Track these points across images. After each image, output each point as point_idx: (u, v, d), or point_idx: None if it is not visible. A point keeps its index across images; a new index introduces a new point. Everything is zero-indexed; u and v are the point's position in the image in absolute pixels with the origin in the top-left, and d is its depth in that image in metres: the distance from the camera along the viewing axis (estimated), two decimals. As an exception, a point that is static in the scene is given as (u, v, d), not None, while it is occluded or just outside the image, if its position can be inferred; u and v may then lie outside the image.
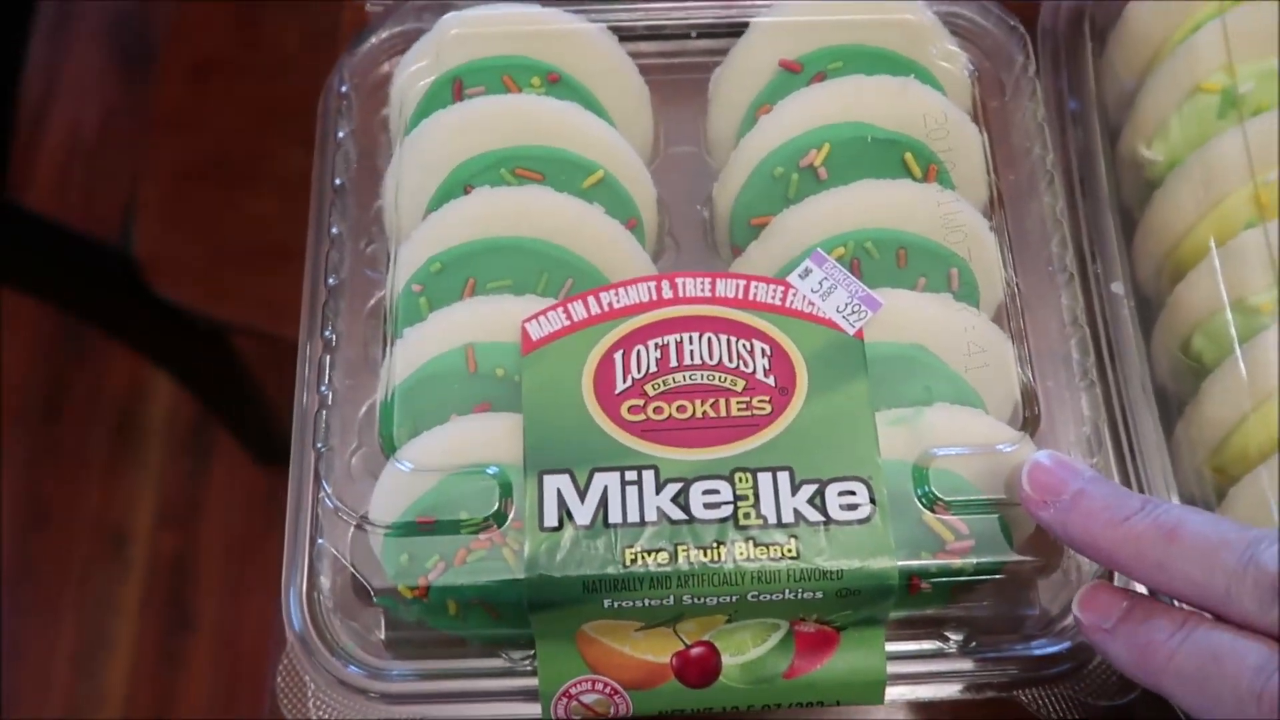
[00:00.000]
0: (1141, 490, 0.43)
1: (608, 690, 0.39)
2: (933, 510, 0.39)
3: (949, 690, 0.41)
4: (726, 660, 0.39)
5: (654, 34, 0.51)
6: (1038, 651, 0.40)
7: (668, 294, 0.41)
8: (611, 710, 0.39)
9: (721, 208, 0.48)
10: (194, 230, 1.03)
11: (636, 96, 0.49)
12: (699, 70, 0.50)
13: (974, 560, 0.39)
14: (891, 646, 0.40)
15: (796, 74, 0.47)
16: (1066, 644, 0.40)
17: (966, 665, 0.41)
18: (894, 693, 0.40)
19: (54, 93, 0.78)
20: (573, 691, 0.39)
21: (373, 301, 0.47)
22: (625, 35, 0.50)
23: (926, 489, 0.39)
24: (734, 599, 0.37)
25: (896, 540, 0.38)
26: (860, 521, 0.37)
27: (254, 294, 0.97)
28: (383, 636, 0.42)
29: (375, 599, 0.41)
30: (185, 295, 0.99)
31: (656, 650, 0.38)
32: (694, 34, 0.50)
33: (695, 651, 0.39)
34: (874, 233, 0.42)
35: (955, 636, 0.41)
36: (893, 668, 0.40)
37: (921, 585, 0.41)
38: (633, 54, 0.50)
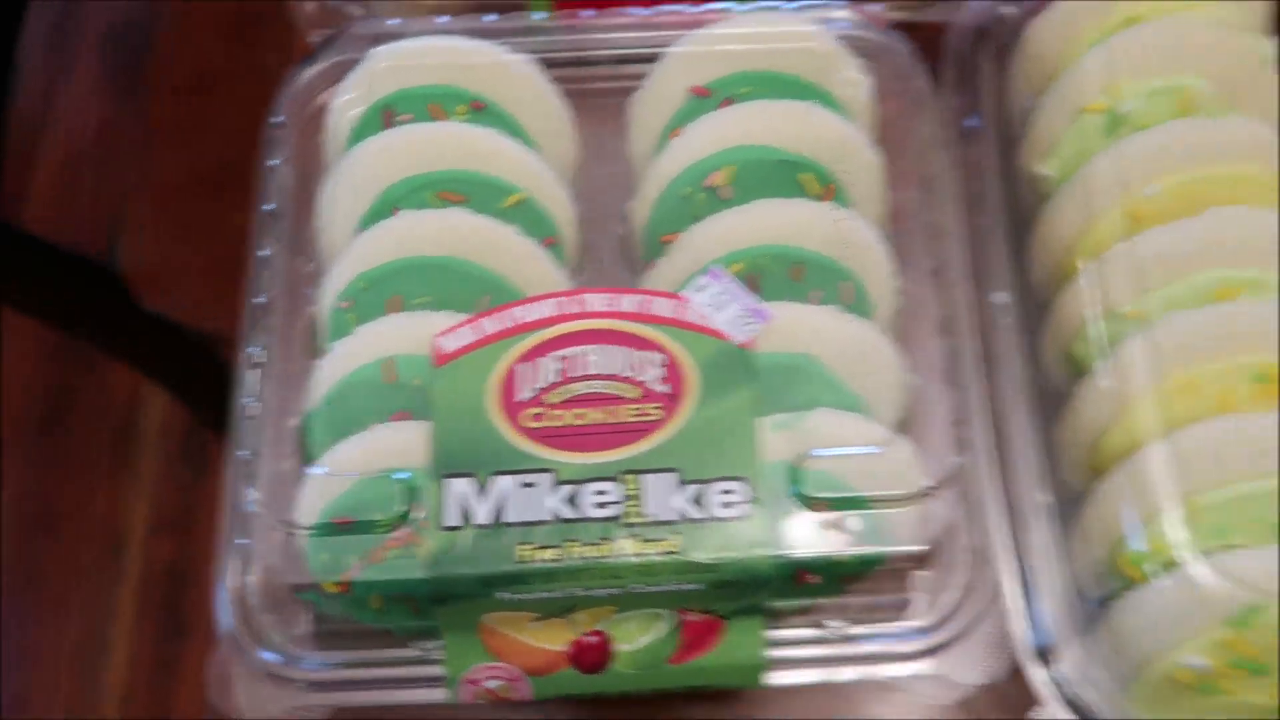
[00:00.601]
0: (1009, 490, 0.45)
1: (509, 676, 0.42)
2: (812, 508, 0.42)
3: (828, 674, 0.43)
4: (618, 648, 0.42)
5: (579, 62, 0.55)
6: (913, 634, 0.43)
7: (572, 309, 0.44)
8: (513, 694, 0.43)
9: (636, 226, 0.51)
10: (186, 242, 1.07)
11: (558, 121, 0.52)
12: (624, 95, 0.53)
13: (855, 552, 0.42)
14: (777, 633, 0.43)
15: (706, 99, 0.50)
16: (940, 626, 0.43)
17: (846, 650, 0.43)
18: (776, 677, 0.43)
19: (50, 106, 0.81)
20: (476, 678, 0.42)
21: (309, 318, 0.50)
22: (552, 63, 0.54)
23: (804, 488, 0.41)
24: (620, 591, 0.40)
25: (777, 535, 0.42)
26: (738, 519, 0.40)
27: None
28: (308, 630, 0.45)
29: (300, 595, 0.44)
30: (177, 307, 1.03)
31: (553, 639, 0.42)
32: (616, 62, 0.54)
33: (589, 640, 0.42)
34: (770, 249, 0.45)
35: (834, 623, 0.43)
36: (777, 653, 0.43)
37: (809, 577, 0.45)
38: (561, 79, 0.53)
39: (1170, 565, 0.42)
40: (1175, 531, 0.42)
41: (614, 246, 0.53)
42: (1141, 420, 0.45)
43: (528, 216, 0.48)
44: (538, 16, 0.55)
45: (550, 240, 0.50)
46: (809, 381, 0.44)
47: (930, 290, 0.49)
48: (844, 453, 0.42)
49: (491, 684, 0.42)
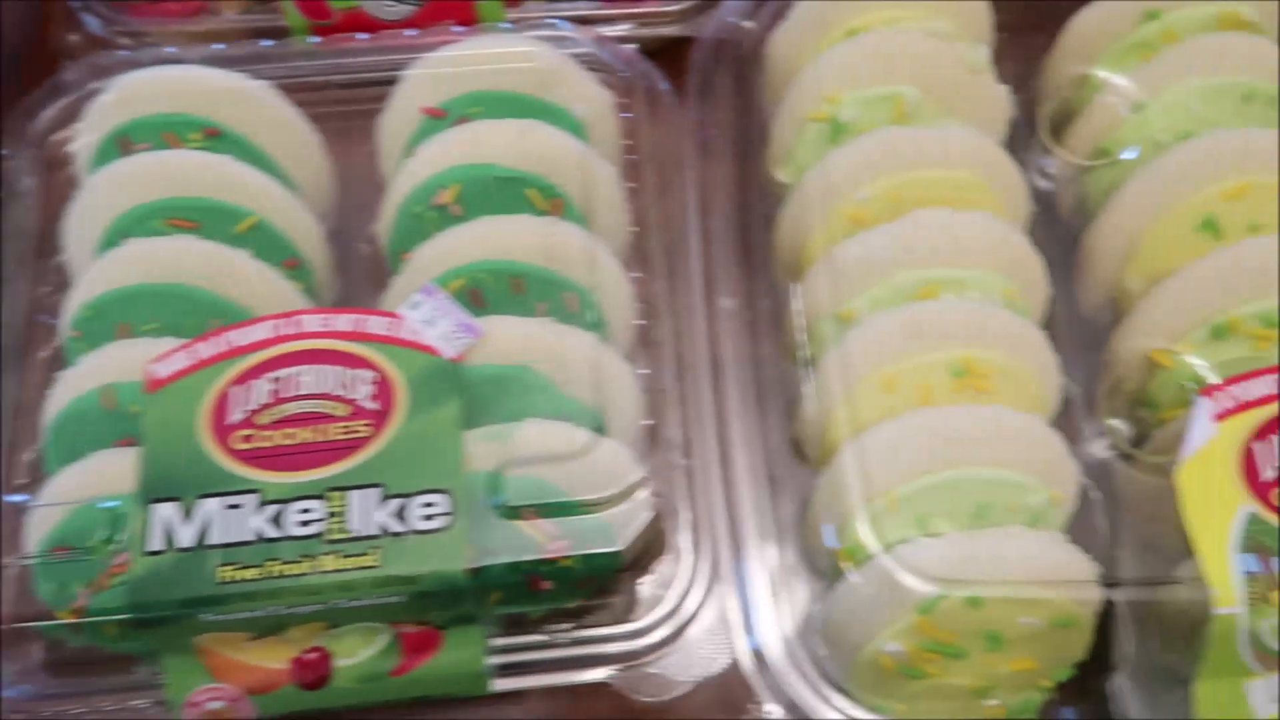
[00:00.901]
0: (727, 482, 0.46)
1: (230, 697, 0.43)
2: (517, 516, 0.43)
3: (552, 678, 0.44)
4: (339, 663, 0.43)
5: (333, 85, 0.56)
6: (632, 634, 0.44)
7: (289, 330, 0.45)
8: (236, 715, 0.43)
9: (380, 244, 0.52)
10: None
11: (304, 144, 0.52)
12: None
13: (555, 555, 0.43)
14: (504, 640, 0.44)
15: (441, 119, 0.51)
16: (658, 625, 0.44)
17: (569, 653, 0.44)
18: (504, 684, 0.44)
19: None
20: (198, 700, 0.43)
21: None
22: (308, 87, 0.54)
23: (506, 497, 0.42)
24: (324, 607, 0.41)
25: (489, 545, 0.42)
26: (439, 530, 0.41)
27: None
28: (43, 659, 0.46)
29: (38, 625, 0.44)
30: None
31: (272, 657, 0.42)
32: (369, 85, 0.55)
33: (309, 656, 0.43)
34: (487, 265, 0.46)
35: (558, 627, 0.45)
36: (505, 659, 0.44)
37: (543, 584, 0.46)
38: (317, 103, 0.53)
39: (866, 558, 0.45)
40: (867, 525, 0.44)
41: (366, 266, 0.54)
42: (844, 418, 0.47)
43: (264, 240, 0.49)
44: (301, 42, 0.56)
45: (292, 262, 0.50)
46: (527, 392, 0.45)
47: (666, 297, 0.50)
48: (543, 459, 0.42)
49: (214, 705, 0.43)
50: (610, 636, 0.45)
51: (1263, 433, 0.44)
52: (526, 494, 0.43)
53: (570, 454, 0.43)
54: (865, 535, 0.43)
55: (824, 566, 0.48)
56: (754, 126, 0.55)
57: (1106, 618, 0.47)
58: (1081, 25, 0.54)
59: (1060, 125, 0.56)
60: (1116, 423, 0.49)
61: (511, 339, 0.45)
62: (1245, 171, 0.49)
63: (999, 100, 0.53)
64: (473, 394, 0.44)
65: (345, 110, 0.55)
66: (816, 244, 0.50)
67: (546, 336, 0.45)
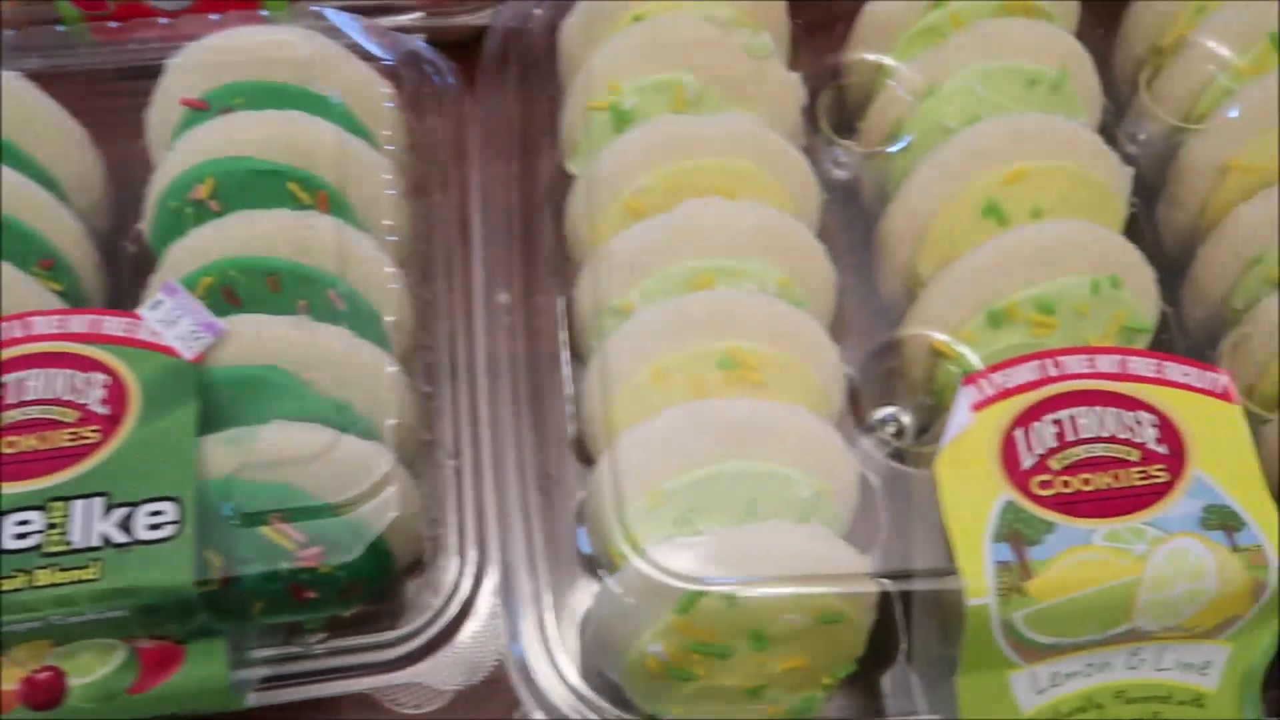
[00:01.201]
0: (499, 484, 0.44)
1: (-47, 720, 0.41)
2: (256, 522, 0.41)
3: (309, 690, 0.42)
4: (73, 681, 0.40)
5: (99, 76, 0.54)
6: (391, 643, 0.43)
7: (16, 333, 0.42)
8: (-38, 739, 0.41)
9: (146, 241, 0.50)
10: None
11: (66, 139, 0.50)
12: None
13: (331, 563, 0.42)
14: (262, 652, 0.42)
15: (204, 111, 0.50)
16: (419, 633, 0.43)
17: (327, 664, 0.43)
18: (261, 697, 0.43)
19: None
20: (-81, 725, 0.41)
21: None
22: (73, 79, 0.52)
23: (242, 503, 0.40)
24: (42, 624, 0.39)
25: (236, 554, 0.41)
26: (166, 540, 0.39)
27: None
28: None
29: None
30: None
31: (4, 678, 0.40)
32: (134, 76, 0.53)
33: (40, 675, 0.40)
34: (238, 261, 0.44)
35: (313, 638, 0.43)
36: (261, 671, 0.42)
37: (307, 593, 0.44)
38: (89, 94, 0.51)
39: (628, 557, 0.44)
40: (629, 524, 0.43)
41: (134, 265, 0.52)
42: (615, 413, 0.46)
43: (14, 239, 0.46)
44: (73, 30, 0.54)
45: (47, 262, 0.48)
46: (275, 393, 0.43)
47: (444, 295, 0.49)
48: (283, 462, 0.41)
49: (-63, 730, 0.41)
50: (370, 645, 0.43)
51: (1024, 420, 0.43)
52: (267, 499, 0.41)
53: (310, 456, 0.41)
54: (627, 534, 0.42)
55: (605, 566, 0.47)
56: (548, 118, 0.55)
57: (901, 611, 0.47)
58: (875, 12, 0.54)
59: (860, 113, 0.57)
60: (889, 412, 0.49)
61: (257, 338, 0.43)
62: (1023, 156, 0.48)
63: (789, 88, 0.52)
64: (216, 396, 0.42)
65: (120, 103, 0.53)
66: (598, 236, 0.50)
67: (295, 335, 0.43)
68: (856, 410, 0.49)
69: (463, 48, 0.55)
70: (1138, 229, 0.53)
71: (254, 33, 0.48)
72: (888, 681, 0.47)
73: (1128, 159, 0.54)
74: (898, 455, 0.48)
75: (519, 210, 0.50)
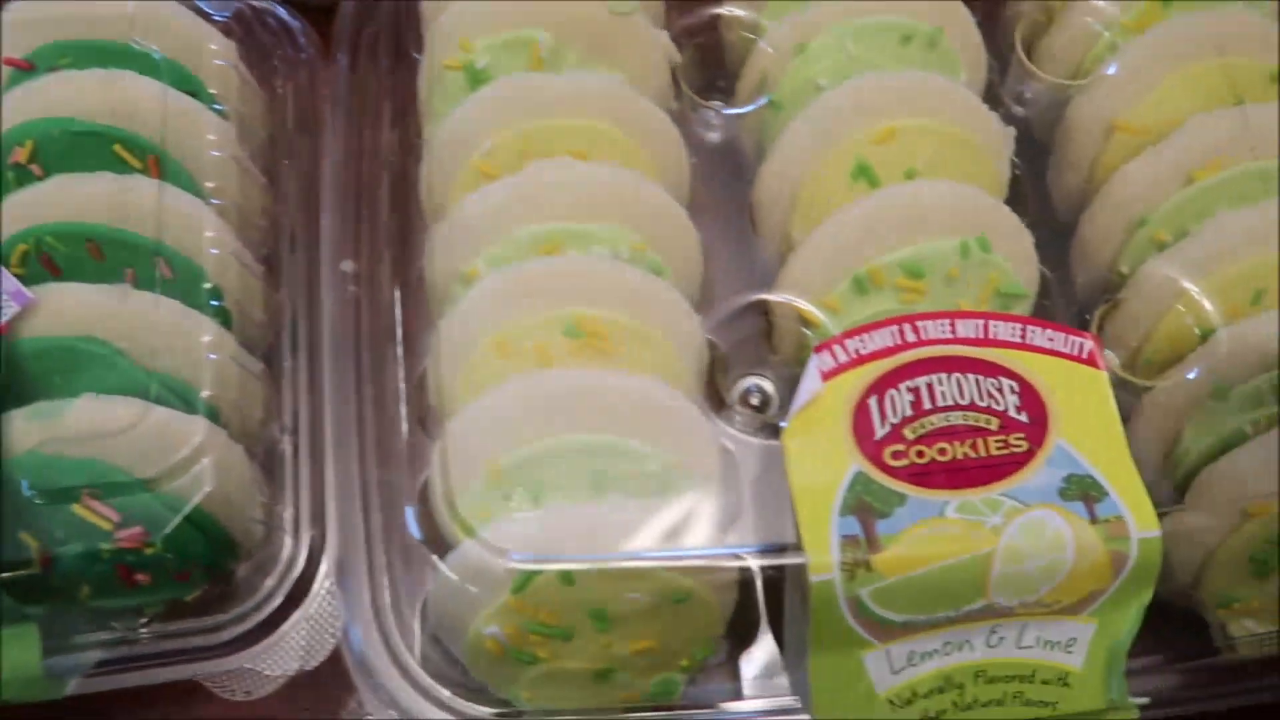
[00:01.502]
0: (339, 462, 0.42)
1: None
2: (79, 500, 0.39)
3: (138, 677, 0.40)
4: None
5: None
6: (220, 628, 0.41)
7: None
8: None
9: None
10: None
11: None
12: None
13: (155, 544, 0.40)
14: (89, 637, 0.40)
15: (30, 71, 0.47)
16: (248, 617, 0.41)
17: (156, 648, 0.41)
18: (81, 685, 0.41)
19: None
20: None
21: None
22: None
23: (46, 480, 0.38)
24: None
25: (50, 535, 0.39)
26: (-43, 521, 0.38)
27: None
28: None
29: None
30: None
31: None
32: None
33: None
34: (53, 227, 0.42)
35: (142, 622, 0.41)
36: (90, 657, 0.40)
37: (139, 576, 0.42)
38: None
39: (466, 535, 0.42)
40: (468, 501, 0.41)
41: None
42: (457, 385, 0.44)
43: None
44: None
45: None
46: (91, 365, 0.41)
47: (292, 265, 0.46)
48: (89, 436, 0.38)
49: None
50: (197, 630, 0.41)
51: (878, 387, 0.41)
52: (76, 475, 0.38)
53: (119, 429, 0.39)
54: (454, 513, 0.40)
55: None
56: (408, 83, 0.53)
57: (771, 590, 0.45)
58: (749, -33, 0.53)
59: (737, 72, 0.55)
60: (753, 383, 0.47)
61: (71, 308, 0.40)
62: (893, 115, 0.46)
63: (656, 47, 0.49)
64: (26, 368, 0.40)
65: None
66: (449, 200, 0.47)
67: (109, 304, 0.41)
68: (724, 381, 0.48)
69: (329, 13, 0.54)
70: (1021, 192, 0.52)
71: (84, -13, 0.47)
72: (751, 663, 0.46)
73: (1014, 119, 0.52)
74: (773, 428, 0.47)
75: (371, 178, 0.49)
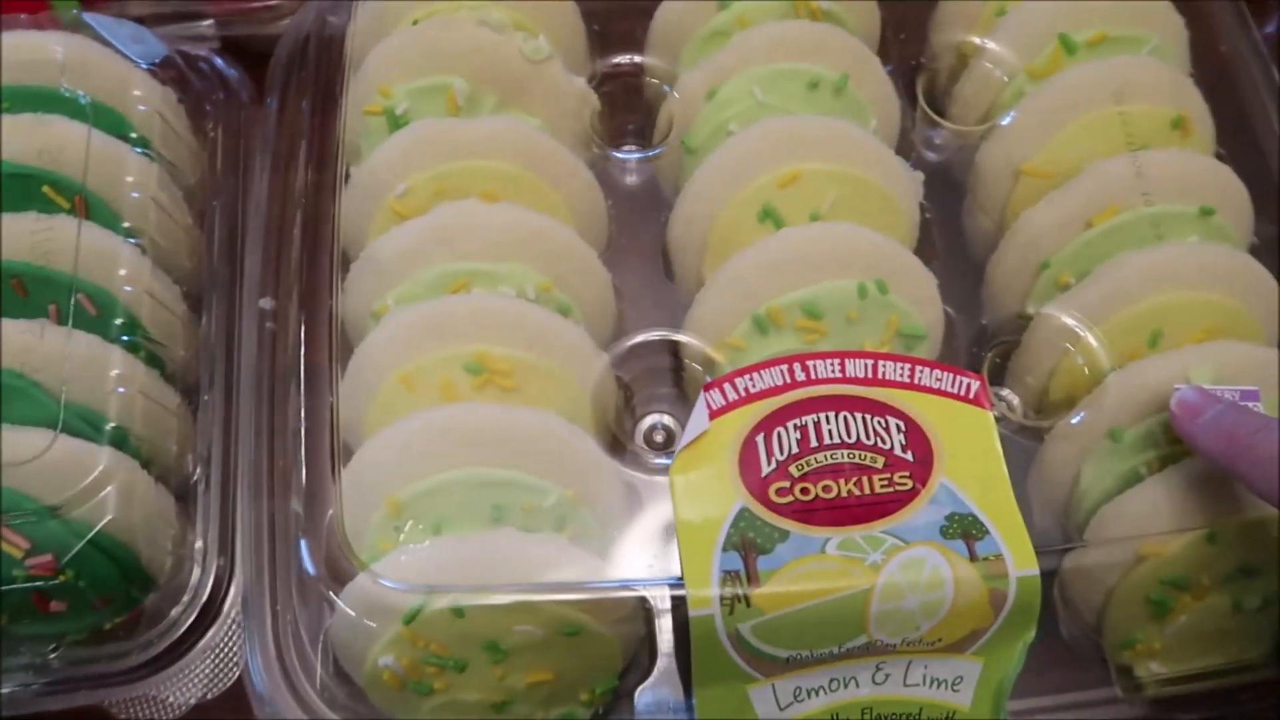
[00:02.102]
0: (255, 493, 0.43)
1: None
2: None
3: (43, 704, 0.41)
4: None
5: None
6: (124, 655, 0.42)
7: None
8: None
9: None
10: None
11: None
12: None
13: (67, 572, 0.41)
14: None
15: (-31, 115, 0.49)
16: (153, 644, 0.42)
17: (61, 674, 0.42)
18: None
19: None
20: None
21: None
22: None
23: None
24: None
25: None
26: None
27: None
28: None
29: None
30: None
31: None
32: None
33: None
34: (-22, 265, 0.45)
35: (50, 648, 0.42)
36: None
37: (54, 605, 0.43)
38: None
39: (359, 567, 0.42)
40: (365, 534, 0.42)
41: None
42: (364, 420, 0.45)
43: None
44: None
45: None
46: (8, 397, 0.42)
47: (210, 301, 0.48)
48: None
49: None
50: (102, 656, 0.42)
51: (766, 425, 0.42)
52: (9, 504, 0.40)
53: (26, 457, 0.40)
54: (346, 545, 0.41)
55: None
56: (334, 126, 0.54)
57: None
58: (665, 15, 0.53)
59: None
60: (657, 419, 0.48)
61: (9, 344, 0.42)
62: (797, 158, 0.47)
63: (574, 93, 0.51)
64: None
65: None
66: (366, 240, 0.48)
67: (26, 338, 0.42)
68: (629, 419, 0.49)
69: (266, 58, 0.56)
70: (930, 235, 0.53)
71: (12, 37, 0.48)
72: (653, 697, 0.46)
73: (926, 164, 0.54)
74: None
75: (295, 219, 0.50)
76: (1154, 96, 0.49)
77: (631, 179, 0.53)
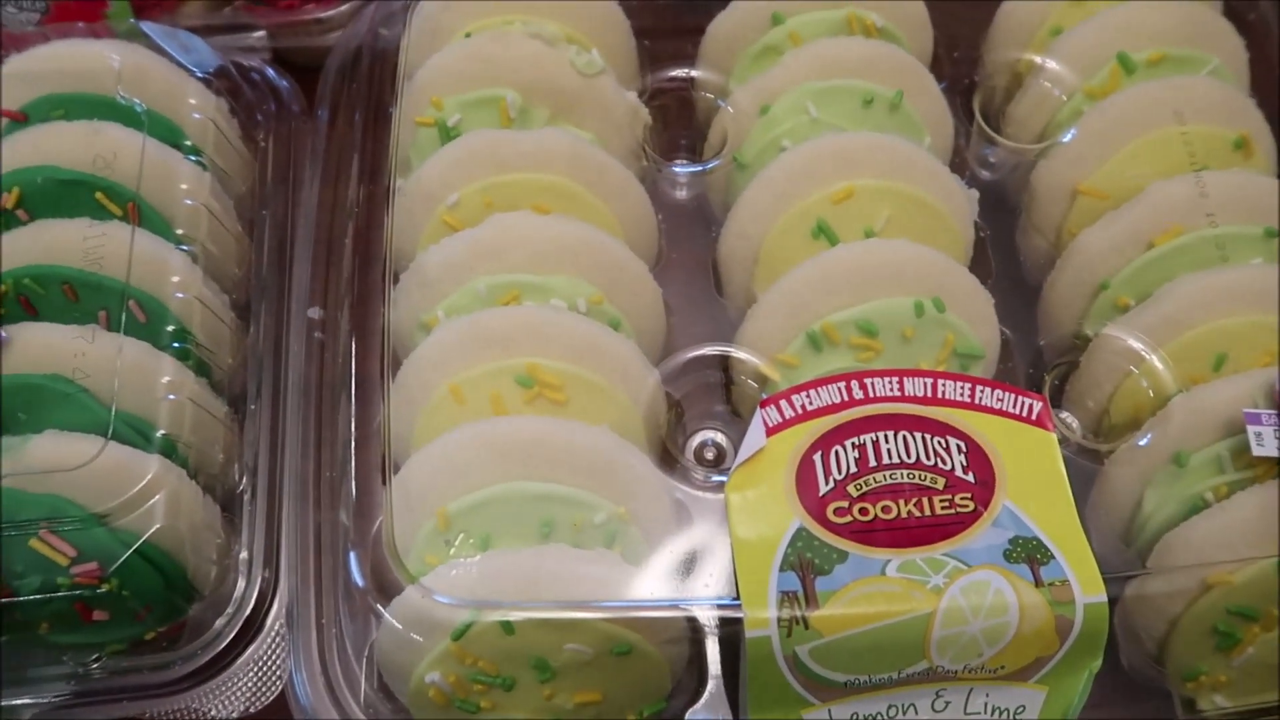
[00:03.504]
0: (300, 505, 0.43)
1: None
2: (36, 534, 0.40)
3: (97, 712, 0.40)
4: None
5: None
6: (168, 666, 0.41)
7: None
8: None
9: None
10: None
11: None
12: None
13: (111, 581, 0.41)
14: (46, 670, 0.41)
15: (24, 123, 0.49)
16: (196, 656, 0.41)
17: (107, 684, 0.41)
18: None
19: None
20: None
21: None
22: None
23: (11, 512, 0.39)
24: None
25: (9, 569, 0.39)
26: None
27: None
28: None
29: None
30: None
31: None
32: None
33: None
34: (30, 270, 0.44)
35: (93, 657, 0.42)
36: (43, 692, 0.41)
37: (97, 614, 0.42)
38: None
39: (408, 580, 0.42)
40: (415, 546, 0.41)
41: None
42: (413, 432, 0.45)
43: None
44: None
45: None
46: (57, 401, 0.42)
47: (259, 310, 0.47)
48: (46, 470, 0.39)
49: None
50: (144, 667, 0.41)
51: (824, 444, 0.41)
52: (34, 509, 0.39)
53: (76, 464, 0.40)
54: (396, 558, 0.40)
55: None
56: (386, 137, 0.54)
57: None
58: (717, 30, 0.53)
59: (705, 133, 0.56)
60: (707, 436, 0.47)
61: (39, 347, 0.42)
62: (851, 175, 0.47)
63: (625, 107, 0.51)
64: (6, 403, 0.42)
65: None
66: (416, 251, 0.48)
67: (77, 344, 0.42)
68: (680, 435, 0.48)
69: (317, 71, 0.56)
70: (985, 254, 0.52)
71: (71, 45, 0.48)
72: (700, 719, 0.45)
73: (980, 183, 0.53)
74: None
75: (345, 229, 0.50)
76: (1215, 117, 0.48)
77: (681, 194, 0.53)
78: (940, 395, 0.42)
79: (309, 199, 0.50)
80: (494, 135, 0.47)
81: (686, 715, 0.43)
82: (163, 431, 0.42)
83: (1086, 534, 0.40)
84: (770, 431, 0.41)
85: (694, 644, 0.43)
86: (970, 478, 0.41)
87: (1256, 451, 0.42)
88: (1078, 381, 0.48)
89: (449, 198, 0.47)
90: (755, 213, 0.48)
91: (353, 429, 0.45)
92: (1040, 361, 0.51)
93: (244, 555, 0.43)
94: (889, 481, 0.40)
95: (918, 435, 0.41)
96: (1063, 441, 0.46)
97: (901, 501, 0.40)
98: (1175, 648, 0.44)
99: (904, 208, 0.47)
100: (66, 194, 0.46)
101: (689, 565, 0.44)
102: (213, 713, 0.41)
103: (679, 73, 0.54)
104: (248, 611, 0.42)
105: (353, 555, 0.41)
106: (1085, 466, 0.48)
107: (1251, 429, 0.43)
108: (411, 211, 0.49)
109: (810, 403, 0.42)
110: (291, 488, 0.44)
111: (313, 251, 0.49)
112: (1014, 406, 0.42)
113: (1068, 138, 0.49)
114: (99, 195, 0.46)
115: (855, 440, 0.41)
